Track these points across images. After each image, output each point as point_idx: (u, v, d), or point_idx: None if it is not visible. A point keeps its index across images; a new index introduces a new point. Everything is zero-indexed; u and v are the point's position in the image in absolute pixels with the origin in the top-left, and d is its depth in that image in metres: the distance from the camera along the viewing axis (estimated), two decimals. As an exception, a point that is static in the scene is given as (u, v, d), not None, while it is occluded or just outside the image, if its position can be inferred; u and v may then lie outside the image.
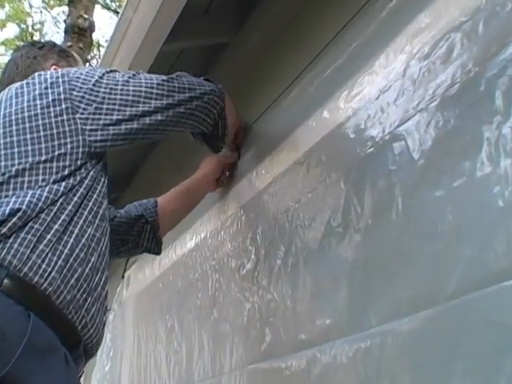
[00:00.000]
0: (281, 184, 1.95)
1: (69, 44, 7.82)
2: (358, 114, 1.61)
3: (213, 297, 2.32)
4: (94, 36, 9.60)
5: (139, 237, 2.19)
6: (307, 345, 1.63)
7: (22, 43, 13.56)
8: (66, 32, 8.38)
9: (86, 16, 8.30)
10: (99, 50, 13.70)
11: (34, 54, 2.05)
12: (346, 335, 1.49)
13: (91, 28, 8.46)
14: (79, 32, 8.17)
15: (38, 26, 15.02)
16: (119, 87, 1.71)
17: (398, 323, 1.31)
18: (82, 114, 1.64)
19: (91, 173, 1.63)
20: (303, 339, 1.66)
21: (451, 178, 1.25)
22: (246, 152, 2.28)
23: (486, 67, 1.23)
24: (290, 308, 1.76)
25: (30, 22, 14.79)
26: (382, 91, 1.54)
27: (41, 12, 14.87)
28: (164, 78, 1.80)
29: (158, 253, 2.30)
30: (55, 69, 1.97)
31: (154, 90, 1.75)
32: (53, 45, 2.14)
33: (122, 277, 3.57)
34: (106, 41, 12.97)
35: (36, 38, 14.71)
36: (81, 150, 1.61)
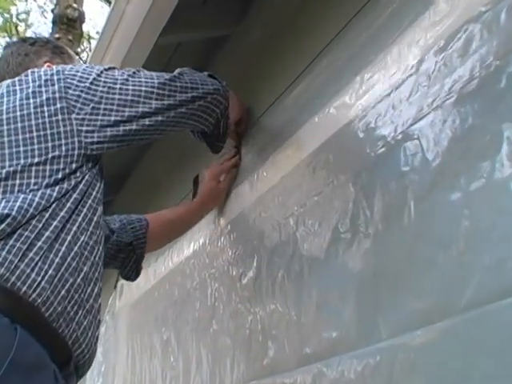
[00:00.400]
0: (285, 187, 1.95)
1: (57, 36, 7.83)
2: (368, 111, 1.61)
3: (212, 307, 2.32)
4: (84, 27, 9.63)
5: (122, 263, 2.21)
6: (313, 359, 1.63)
7: (4, 34, 13.57)
8: (53, 23, 8.39)
9: (75, 5, 8.31)
10: (90, 43, 13.72)
11: (25, 50, 2.05)
12: (354, 349, 1.49)
13: (81, 19, 8.47)
14: (68, 23, 8.17)
15: (23, 16, 15.03)
16: (118, 86, 1.71)
17: (409, 336, 1.31)
18: (78, 114, 1.64)
19: (86, 177, 1.63)
20: (308, 353, 1.66)
21: (468, 180, 1.25)
22: (247, 153, 2.29)
23: (507, 61, 1.22)
24: (294, 320, 1.76)
25: (14, 11, 14.80)
26: (393, 87, 1.54)
27: (26, 0, 14.89)
28: (166, 76, 1.80)
29: (134, 280, 2.33)
30: (49, 66, 1.97)
31: (155, 90, 1.75)
32: (46, 41, 2.15)
33: (115, 286, 3.57)
34: (97, 33, 12.98)
35: (21, 28, 14.72)
36: (76, 152, 1.61)
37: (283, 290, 1.85)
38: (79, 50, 11.44)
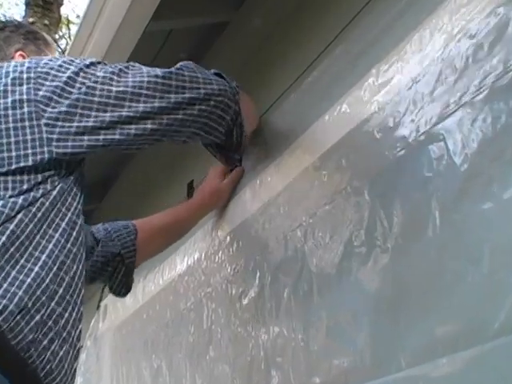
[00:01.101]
0: (291, 194, 1.95)
1: (31, 20, 7.84)
2: (386, 108, 1.61)
3: (208, 331, 2.32)
4: (63, 10, 9.63)
5: (110, 277, 2.20)
6: (323, 391, 1.63)
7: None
8: (26, 5, 8.40)
9: (52, -15, 8.32)
10: (69, 28, 13.76)
11: None
12: (369, 379, 1.49)
13: (59, 0, 8.48)
14: (44, 5, 8.19)
15: (-10, -4, 15.08)
16: (98, 86, 1.65)
17: (432, 366, 1.30)
18: (49, 118, 1.59)
19: (61, 184, 1.60)
20: (317, 383, 1.66)
21: (501, 187, 1.24)
22: (248, 155, 2.28)
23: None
24: (301, 345, 1.76)
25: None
26: (415, 81, 1.54)
27: (-6, -22, 14.93)
28: (159, 73, 1.73)
29: (124, 296, 2.31)
30: (21, 55, 1.95)
31: (144, 91, 1.69)
32: (17, 25, 2.11)
33: (98, 307, 3.57)
34: (78, 17, 13.02)
35: (-13, 11, 14.74)
36: (45, 163, 1.57)
37: (289, 312, 1.85)
38: (57, 36, 11.45)
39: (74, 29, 12.84)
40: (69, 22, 13.72)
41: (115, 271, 2.19)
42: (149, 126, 1.69)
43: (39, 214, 1.53)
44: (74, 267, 1.59)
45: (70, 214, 1.60)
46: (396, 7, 1.67)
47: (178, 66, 1.80)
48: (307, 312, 1.76)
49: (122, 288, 2.24)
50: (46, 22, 8.12)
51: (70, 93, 1.62)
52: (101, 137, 1.63)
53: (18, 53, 1.98)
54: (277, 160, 2.07)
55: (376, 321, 1.52)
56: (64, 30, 13.60)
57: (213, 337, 2.28)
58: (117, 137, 1.65)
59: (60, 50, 12.70)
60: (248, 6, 2.39)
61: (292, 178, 1.96)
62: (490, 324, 1.19)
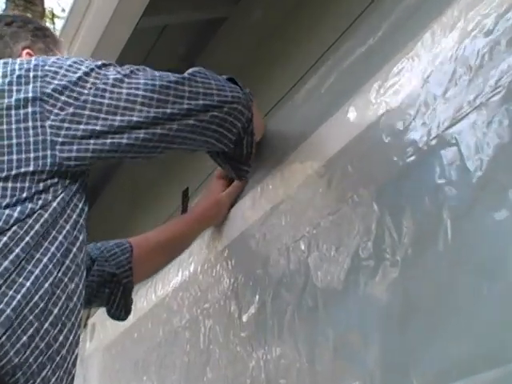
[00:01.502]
0: (294, 203, 1.96)
1: (12, 14, 7.82)
2: (395, 111, 1.62)
3: (205, 351, 2.32)
4: (47, 3, 9.61)
5: (108, 300, 2.19)
6: (329, 415, 1.64)
7: None
8: (7, -4, 8.39)
9: (35, -25, 8.31)
10: (54, 23, 13.70)
11: None
12: (379, 403, 1.49)
13: (43, -8, 8.47)
14: (26, -3, 8.17)
15: (-34, -13, 15.02)
16: (109, 88, 1.66)
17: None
18: (55, 120, 1.59)
19: (62, 195, 1.59)
20: (324, 408, 1.66)
21: (518, 195, 1.24)
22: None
23: None
24: (306, 366, 1.76)
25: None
26: (426, 81, 1.55)
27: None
28: (172, 78, 1.75)
29: (124, 319, 2.30)
30: (28, 54, 1.95)
31: (156, 95, 1.70)
32: (25, 20, 2.11)
33: (85, 325, 3.56)
34: (63, 11, 13.00)
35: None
36: (48, 168, 1.57)
37: (293, 330, 1.85)
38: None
39: (59, 23, 12.80)
40: (53, 16, 13.66)
41: (112, 293, 2.17)
42: (158, 131, 1.70)
43: (36, 226, 1.52)
44: (72, 286, 1.57)
45: (68, 227, 1.59)
46: (407, 2, 1.68)
47: (189, 71, 1.81)
48: (312, 330, 1.76)
49: (122, 311, 2.22)
50: (29, 15, 8.09)
51: (80, 93, 1.63)
52: (108, 140, 1.64)
53: (26, 51, 1.98)
54: (278, 167, 2.07)
55: (386, 339, 1.52)
56: (48, 24, 13.56)
57: (210, 357, 2.27)
58: (124, 141, 1.66)
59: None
60: (246, 0, 2.39)
61: (295, 186, 1.97)
62: (509, 343, 1.19)
